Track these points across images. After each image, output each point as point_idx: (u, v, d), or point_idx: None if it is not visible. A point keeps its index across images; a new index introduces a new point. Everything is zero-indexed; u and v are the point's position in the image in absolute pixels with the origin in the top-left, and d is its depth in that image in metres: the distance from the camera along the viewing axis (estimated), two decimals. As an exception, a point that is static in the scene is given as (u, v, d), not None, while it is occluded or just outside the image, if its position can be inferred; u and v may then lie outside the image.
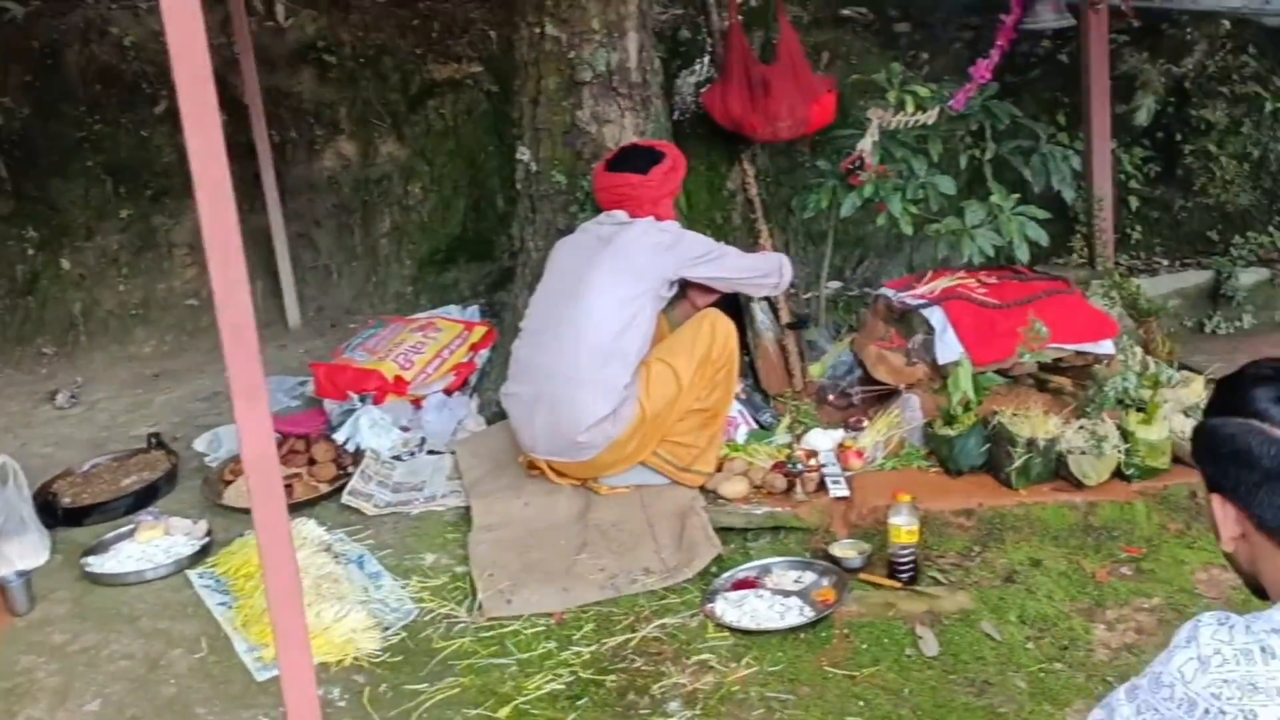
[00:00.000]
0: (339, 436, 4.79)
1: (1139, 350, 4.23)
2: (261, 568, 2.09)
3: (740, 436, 4.47)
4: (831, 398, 4.61)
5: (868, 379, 4.52)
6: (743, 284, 4.40)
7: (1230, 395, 1.59)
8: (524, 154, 4.86)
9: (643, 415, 4.05)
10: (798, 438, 4.41)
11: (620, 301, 4.08)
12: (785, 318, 4.75)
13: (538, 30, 4.64)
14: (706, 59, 4.96)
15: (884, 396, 4.49)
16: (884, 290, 4.72)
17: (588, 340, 4.04)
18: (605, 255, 4.15)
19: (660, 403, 4.07)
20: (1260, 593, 1.61)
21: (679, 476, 4.18)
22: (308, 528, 4.10)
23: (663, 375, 4.09)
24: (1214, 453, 1.59)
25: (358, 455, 4.69)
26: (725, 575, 3.79)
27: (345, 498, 4.40)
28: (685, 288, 4.34)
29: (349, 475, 4.53)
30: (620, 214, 4.25)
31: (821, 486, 4.13)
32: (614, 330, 4.06)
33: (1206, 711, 1.43)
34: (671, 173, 4.29)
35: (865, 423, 4.42)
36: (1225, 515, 1.59)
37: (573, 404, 4.01)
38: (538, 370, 4.14)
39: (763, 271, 4.38)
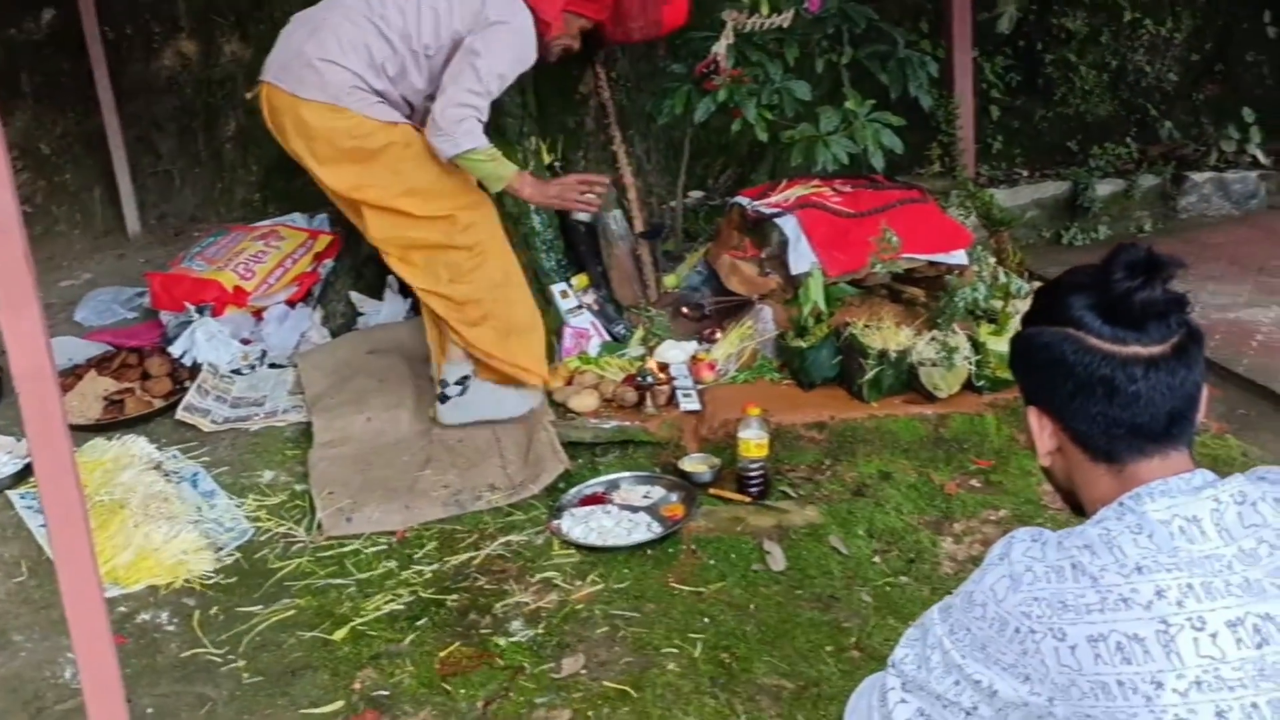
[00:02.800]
0: (175, 350, 4.63)
1: (991, 260, 4.21)
2: (40, 494, 1.93)
3: (592, 349, 4.38)
4: (685, 309, 4.53)
5: (721, 290, 4.44)
6: (438, 110, 3.67)
7: (1047, 303, 1.52)
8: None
9: (386, 141, 3.73)
10: (650, 350, 4.33)
11: (429, 25, 3.72)
12: (639, 227, 4.64)
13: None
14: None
15: (738, 308, 4.42)
16: (739, 199, 4.62)
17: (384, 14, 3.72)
18: None
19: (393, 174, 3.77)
20: (1079, 509, 1.56)
21: (516, 374, 3.99)
22: (138, 445, 3.98)
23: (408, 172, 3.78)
24: (1029, 363, 1.53)
25: (195, 369, 4.52)
26: (573, 491, 3.72)
27: (180, 413, 4.26)
28: None
29: (185, 390, 4.37)
30: None
31: (672, 400, 4.06)
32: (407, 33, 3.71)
33: (1017, 630, 1.39)
34: None
35: (718, 335, 4.35)
36: (1041, 428, 1.54)
37: (336, 30, 3.70)
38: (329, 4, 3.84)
39: (456, 117, 3.63)
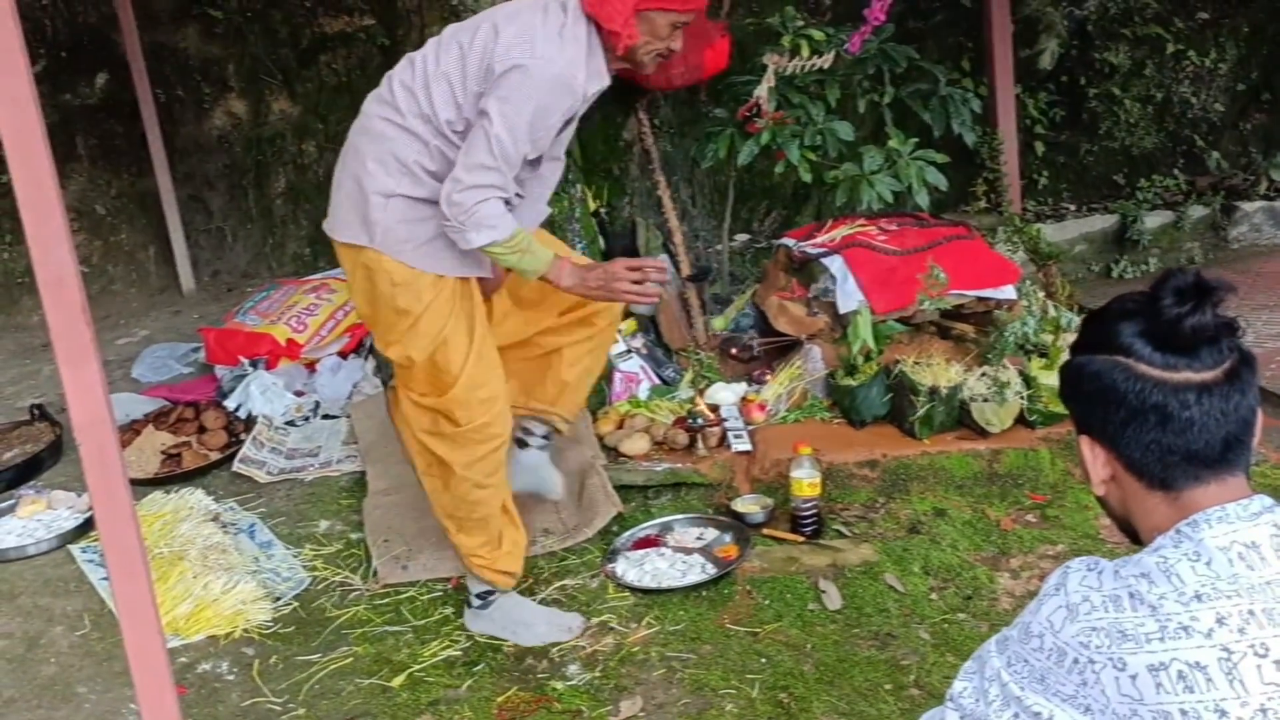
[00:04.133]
0: (230, 403, 4.68)
1: (1040, 295, 4.19)
2: (101, 540, 1.97)
3: (642, 393, 4.39)
4: (734, 351, 4.54)
5: (770, 331, 4.45)
6: (444, 196, 2.93)
7: (1096, 331, 1.51)
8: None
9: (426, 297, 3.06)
10: (700, 392, 4.33)
11: (443, 96, 3.00)
12: (686, 270, 4.66)
13: (418, -28, 4.37)
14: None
15: (786, 348, 4.42)
16: (785, 240, 4.64)
17: (396, 103, 3.04)
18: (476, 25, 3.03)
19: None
20: (1135, 538, 1.55)
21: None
22: (195, 497, 4.04)
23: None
24: (1079, 392, 1.52)
25: (250, 422, 4.56)
26: (626, 534, 3.72)
27: (237, 465, 4.30)
28: None
29: (240, 442, 4.42)
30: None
31: (723, 441, 4.06)
32: (417, 113, 3.02)
33: (1076, 661, 1.38)
34: None
35: (768, 375, 4.35)
36: (1094, 457, 1.53)
37: (360, 157, 3.05)
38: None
39: (466, 204, 2.89)
